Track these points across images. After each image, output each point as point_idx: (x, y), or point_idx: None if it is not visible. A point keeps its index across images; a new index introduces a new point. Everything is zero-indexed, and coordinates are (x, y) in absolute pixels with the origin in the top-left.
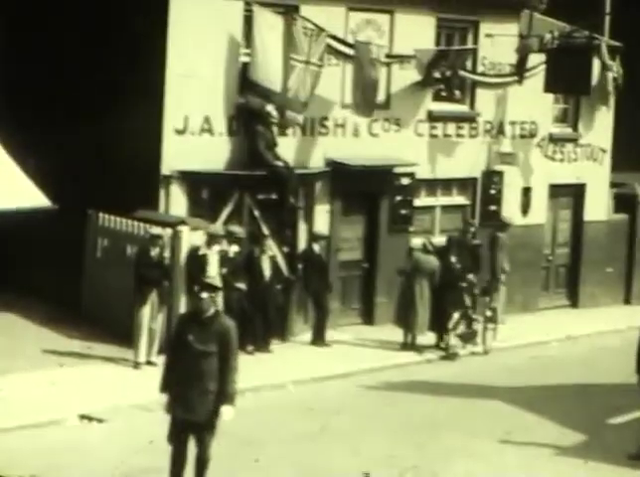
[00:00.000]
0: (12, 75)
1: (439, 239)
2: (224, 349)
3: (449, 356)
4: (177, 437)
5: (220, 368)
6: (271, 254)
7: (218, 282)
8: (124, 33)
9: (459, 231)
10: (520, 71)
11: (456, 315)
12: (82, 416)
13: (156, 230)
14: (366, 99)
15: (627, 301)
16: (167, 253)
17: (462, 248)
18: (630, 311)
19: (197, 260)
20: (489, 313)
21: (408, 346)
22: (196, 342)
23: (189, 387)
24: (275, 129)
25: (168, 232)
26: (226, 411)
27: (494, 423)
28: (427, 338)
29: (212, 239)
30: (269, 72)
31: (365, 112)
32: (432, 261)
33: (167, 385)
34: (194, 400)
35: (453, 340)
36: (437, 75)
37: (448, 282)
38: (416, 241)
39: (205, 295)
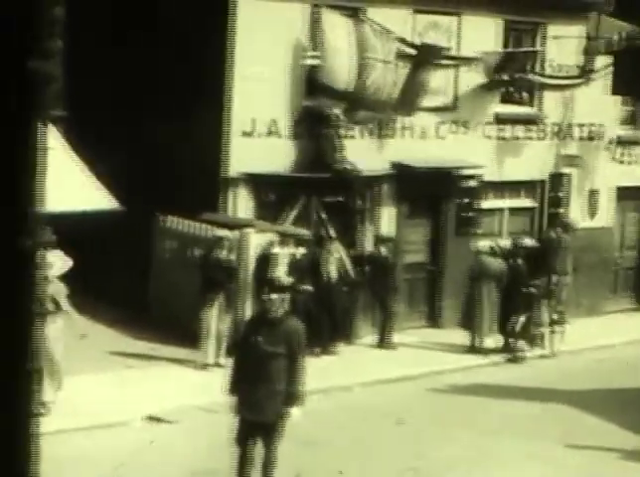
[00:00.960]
0: (81, 77)
1: (506, 242)
2: (292, 350)
3: (515, 359)
4: (244, 439)
5: (287, 369)
6: (337, 257)
7: (285, 283)
8: (192, 36)
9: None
10: (587, 72)
11: (522, 318)
12: (150, 418)
13: (222, 232)
14: (409, 99)
15: None
16: (233, 256)
17: (532, 251)
18: None
19: (267, 260)
20: (554, 316)
21: (475, 349)
22: (264, 343)
23: (257, 388)
24: (341, 132)
25: (235, 234)
26: (293, 413)
27: (559, 427)
28: (494, 341)
29: (282, 240)
30: (341, 73)
31: (405, 111)
32: (499, 264)
33: (235, 386)
34: (262, 402)
35: (520, 343)
36: (504, 77)
37: (515, 285)
38: (483, 244)
39: (274, 296)
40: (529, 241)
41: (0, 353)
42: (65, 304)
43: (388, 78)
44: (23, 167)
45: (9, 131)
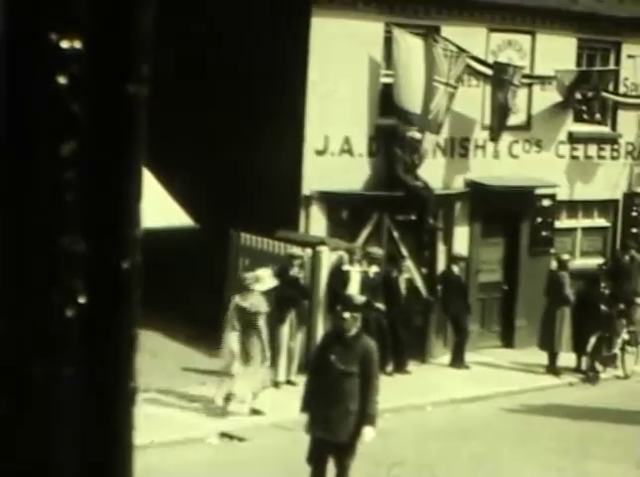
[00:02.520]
0: (158, 95)
1: (584, 262)
2: (366, 369)
3: (589, 379)
4: (316, 458)
5: (361, 388)
6: (409, 275)
7: (359, 302)
8: (266, 55)
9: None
10: None
11: (593, 339)
12: (223, 435)
13: (295, 249)
14: (496, 123)
15: None
16: (306, 273)
17: (606, 271)
18: None
19: (339, 277)
20: (627, 336)
21: (550, 369)
22: (338, 362)
23: (330, 407)
24: (417, 152)
25: (308, 252)
26: (367, 432)
27: (634, 449)
28: (570, 361)
29: (355, 258)
30: (411, 93)
31: (493, 136)
32: (571, 284)
33: (308, 404)
34: (335, 421)
35: (594, 363)
36: (578, 96)
37: (590, 305)
38: (556, 263)
39: (347, 315)
40: (603, 262)
41: (104, 374)
42: (261, 320)
43: (444, 101)
44: (131, 191)
45: (116, 155)
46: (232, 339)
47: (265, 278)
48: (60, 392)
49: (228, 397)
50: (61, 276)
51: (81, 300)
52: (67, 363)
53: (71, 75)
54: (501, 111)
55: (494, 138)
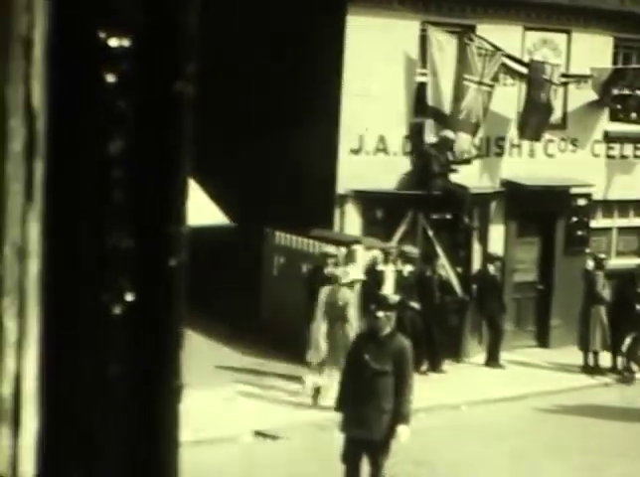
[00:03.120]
0: (198, 94)
1: (620, 262)
2: (400, 368)
3: (625, 379)
4: (351, 457)
5: (395, 387)
6: (444, 275)
7: (393, 301)
8: (302, 53)
9: None
10: None
11: (629, 338)
12: (257, 433)
13: (329, 248)
14: (535, 122)
15: None
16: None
17: None
18: None
19: (374, 276)
20: None
21: (589, 368)
22: (372, 361)
23: (365, 405)
24: (450, 151)
25: (342, 250)
26: (402, 432)
27: None
28: (607, 361)
29: (390, 257)
30: (442, 93)
31: (533, 135)
32: (607, 283)
33: (342, 403)
34: (369, 420)
35: (630, 363)
36: (614, 94)
37: (626, 305)
38: (593, 262)
39: (381, 314)
40: None
41: (150, 371)
42: (350, 311)
43: (480, 100)
44: (176, 185)
45: (163, 153)
46: (320, 332)
47: (352, 272)
48: (107, 389)
49: (317, 390)
50: (109, 274)
51: (129, 298)
52: (114, 360)
53: (118, 73)
54: (542, 110)
55: (533, 137)
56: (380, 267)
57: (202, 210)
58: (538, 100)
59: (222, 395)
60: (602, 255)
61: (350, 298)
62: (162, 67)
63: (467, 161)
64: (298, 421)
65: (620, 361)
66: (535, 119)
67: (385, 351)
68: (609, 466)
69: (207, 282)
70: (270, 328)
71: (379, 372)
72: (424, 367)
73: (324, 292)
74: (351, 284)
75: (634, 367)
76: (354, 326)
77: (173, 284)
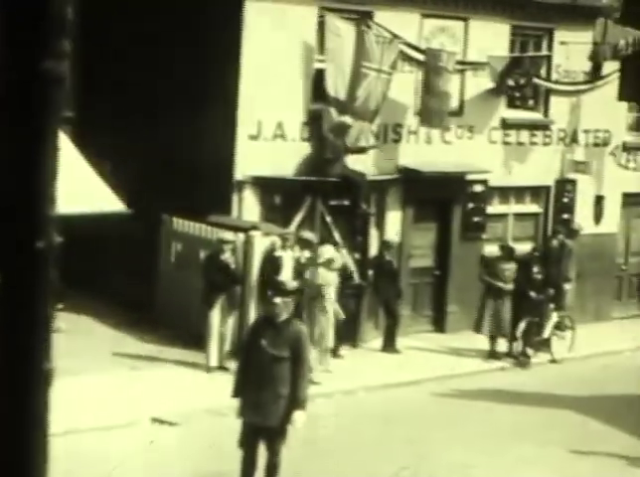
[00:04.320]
0: (89, 78)
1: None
2: (297, 354)
3: (520, 364)
4: (248, 442)
5: (292, 373)
6: (342, 260)
7: (291, 287)
8: (200, 38)
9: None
10: (594, 78)
11: (523, 323)
12: (154, 420)
13: (227, 234)
14: (435, 109)
15: None
16: (237, 258)
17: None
18: None
19: (271, 262)
20: (556, 321)
21: (491, 353)
22: (269, 346)
23: (262, 391)
24: (347, 136)
25: (240, 237)
26: (298, 417)
27: (565, 433)
28: (504, 346)
29: (285, 244)
30: (340, 80)
31: (433, 122)
32: (510, 267)
33: (240, 389)
34: (267, 405)
35: (525, 348)
36: (511, 82)
37: (522, 291)
38: (490, 249)
39: (278, 300)
40: (534, 247)
41: (16, 355)
42: (329, 294)
43: (378, 87)
44: (43, 169)
45: (29, 132)
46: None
47: (328, 254)
48: None
49: None
50: None
51: None
52: None
53: None
54: (440, 98)
55: (436, 124)
56: (278, 253)
57: (100, 197)
58: (435, 88)
59: (119, 381)
60: (509, 245)
61: (328, 278)
62: (29, 46)
63: (363, 149)
64: (196, 408)
65: (516, 346)
66: (435, 107)
67: (282, 337)
68: (506, 450)
69: (104, 269)
70: (168, 314)
71: (276, 357)
72: None
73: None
74: (327, 263)
75: (529, 351)
76: (331, 304)
77: (40, 267)
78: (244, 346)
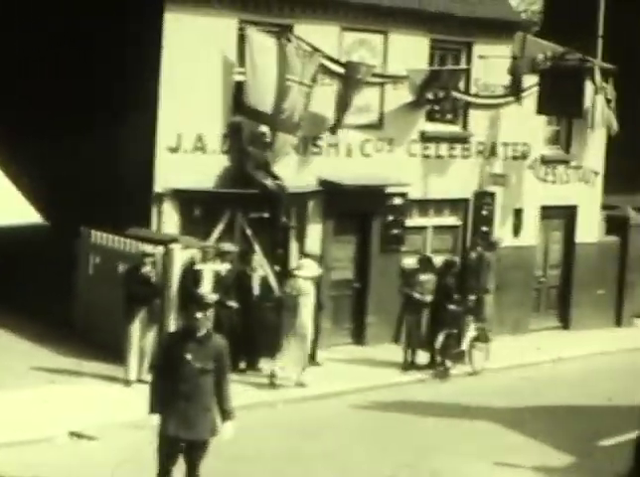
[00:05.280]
0: (5, 89)
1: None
2: (220, 366)
3: (440, 375)
4: (169, 456)
5: (216, 385)
6: (262, 273)
7: (211, 300)
8: (119, 50)
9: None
10: (513, 92)
11: (441, 336)
12: (73, 434)
13: (147, 247)
14: (340, 118)
15: (618, 323)
16: (158, 271)
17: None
18: (620, 333)
19: (191, 276)
20: (475, 333)
21: (402, 365)
22: (194, 360)
23: (190, 405)
24: (269, 149)
25: (160, 249)
26: (226, 428)
27: (484, 444)
28: (423, 357)
29: (205, 257)
30: (262, 93)
31: (331, 129)
32: (429, 280)
33: (159, 404)
34: (196, 419)
35: (442, 360)
36: (430, 95)
37: (441, 302)
38: (409, 261)
39: (200, 315)
40: (456, 259)
41: None
42: (307, 304)
43: (300, 100)
44: None
45: None
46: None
47: (309, 266)
48: None
49: (272, 374)
50: None
51: None
52: None
53: None
54: (341, 106)
55: (332, 131)
56: (197, 266)
57: (16, 209)
58: (345, 99)
59: (37, 395)
60: (428, 255)
61: (307, 289)
62: None
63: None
64: (115, 422)
65: (436, 358)
66: (340, 116)
67: (205, 350)
68: (424, 461)
69: (22, 283)
70: (87, 328)
71: (202, 371)
72: (242, 365)
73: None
74: (308, 278)
75: (448, 363)
76: (309, 313)
77: None
78: (163, 360)
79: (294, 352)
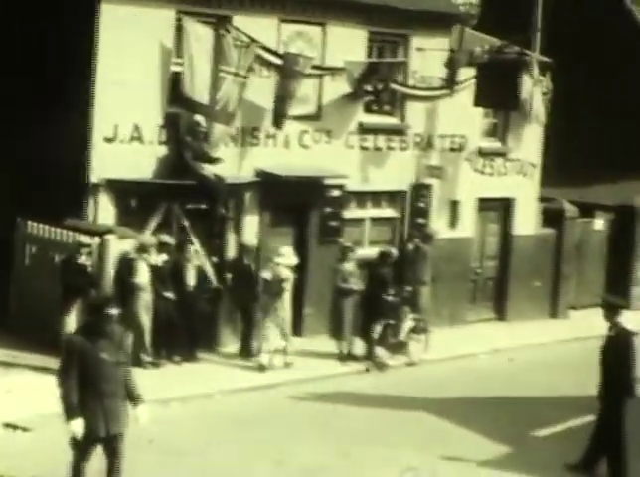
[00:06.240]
0: None
1: (372, 251)
2: (125, 355)
3: (377, 366)
4: (88, 456)
5: (125, 374)
6: (199, 264)
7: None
8: (54, 40)
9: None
10: (450, 84)
11: (379, 326)
12: (7, 425)
13: (83, 238)
14: (281, 110)
15: (553, 315)
16: (93, 262)
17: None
18: (556, 325)
19: (126, 267)
20: (412, 324)
21: (340, 356)
22: (110, 356)
23: (111, 401)
24: (205, 139)
25: (96, 240)
26: (141, 412)
27: (419, 435)
28: (361, 349)
29: (141, 248)
30: (198, 84)
31: (277, 122)
32: (360, 273)
33: (77, 408)
34: (117, 412)
35: (379, 350)
36: (368, 87)
37: (376, 293)
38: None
39: (114, 311)
40: (393, 251)
41: None
42: (288, 289)
43: (235, 91)
44: None
45: None
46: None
47: (288, 255)
48: None
49: (261, 363)
50: None
51: None
52: None
53: None
54: (285, 99)
55: (278, 125)
56: (134, 257)
57: None
58: (288, 92)
59: None
60: (348, 245)
61: (288, 275)
62: None
63: (216, 160)
64: (49, 413)
65: (372, 348)
66: (281, 108)
67: (113, 342)
68: (360, 452)
69: None
70: (22, 319)
71: (117, 364)
72: (178, 356)
73: (262, 274)
74: (289, 266)
75: (386, 353)
76: (288, 298)
77: None
78: (74, 364)
79: (277, 336)
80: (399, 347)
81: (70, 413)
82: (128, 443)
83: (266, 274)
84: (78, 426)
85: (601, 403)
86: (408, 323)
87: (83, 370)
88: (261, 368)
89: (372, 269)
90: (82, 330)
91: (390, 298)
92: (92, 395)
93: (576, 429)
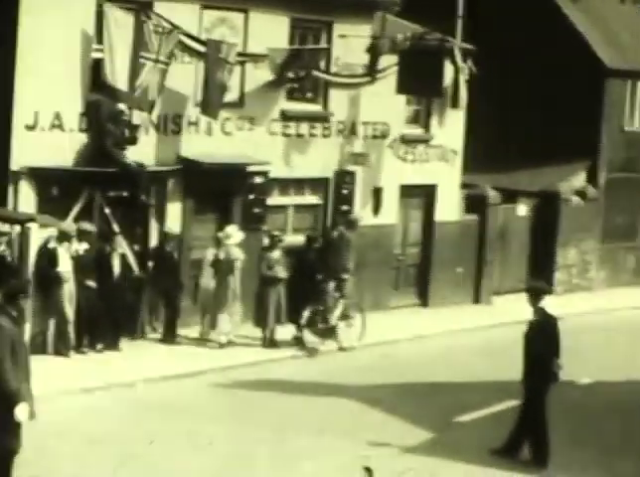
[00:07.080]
0: None
1: (295, 238)
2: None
3: (307, 352)
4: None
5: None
6: (121, 252)
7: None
8: None
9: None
10: (372, 72)
11: (306, 312)
12: None
13: (2, 226)
14: (212, 99)
15: (476, 301)
16: (14, 251)
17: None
18: (479, 311)
19: (47, 256)
20: (339, 310)
21: (266, 342)
22: (24, 343)
23: (28, 383)
24: (127, 127)
25: (16, 229)
26: (20, 410)
27: (343, 421)
28: (288, 334)
29: (63, 236)
30: (118, 71)
31: (211, 113)
32: (284, 258)
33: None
34: (32, 396)
35: (309, 336)
36: (291, 74)
37: (303, 279)
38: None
39: (24, 301)
40: (318, 237)
41: None
42: (237, 267)
43: (156, 78)
44: None
45: None
46: (208, 285)
47: (235, 233)
48: None
49: (220, 343)
50: None
51: None
52: None
53: None
54: (218, 89)
55: (212, 115)
56: (54, 245)
57: None
58: (214, 79)
59: None
60: (276, 233)
61: (238, 254)
62: None
63: (134, 141)
64: None
65: (300, 334)
66: (213, 97)
67: (22, 328)
68: (285, 440)
69: None
70: None
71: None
72: (100, 345)
73: (209, 252)
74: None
75: (316, 339)
76: (237, 277)
77: None
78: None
79: (233, 313)
80: (328, 333)
81: (15, 399)
82: (50, 432)
83: (212, 254)
84: (23, 411)
85: (525, 388)
86: (338, 309)
87: (12, 359)
88: (221, 346)
89: (299, 255)
90: (4, 319)
91: (319, 284)
92: (23, 379)
93: (499, 414)
